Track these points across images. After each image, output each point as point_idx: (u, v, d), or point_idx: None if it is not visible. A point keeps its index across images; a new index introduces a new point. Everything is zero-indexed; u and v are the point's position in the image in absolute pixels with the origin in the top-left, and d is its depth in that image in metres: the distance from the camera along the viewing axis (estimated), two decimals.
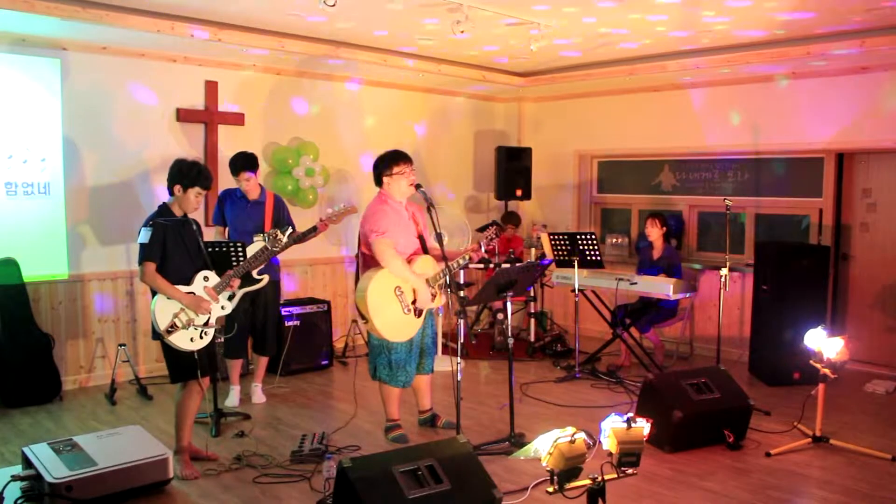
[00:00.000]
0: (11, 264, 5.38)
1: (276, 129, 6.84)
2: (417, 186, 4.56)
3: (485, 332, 8.03)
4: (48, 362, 5.49)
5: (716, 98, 7.14)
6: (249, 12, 5.24)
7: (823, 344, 4.42)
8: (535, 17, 5.25)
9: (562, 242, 6.42)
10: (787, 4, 4.80)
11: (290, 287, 6.96)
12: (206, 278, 4.09)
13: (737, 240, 7.11)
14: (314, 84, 7.09)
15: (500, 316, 7.22)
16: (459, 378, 4.27)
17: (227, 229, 5.51)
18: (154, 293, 3.98)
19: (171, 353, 4.04)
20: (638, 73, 6.80)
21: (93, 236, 5.90)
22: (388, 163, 4.62)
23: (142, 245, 3.94)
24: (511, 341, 4.64)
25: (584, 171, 8.32)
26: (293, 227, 5.22)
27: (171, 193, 4.07)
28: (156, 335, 3.99)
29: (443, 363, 5.88)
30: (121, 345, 5.81)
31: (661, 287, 6.03)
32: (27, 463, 3.79)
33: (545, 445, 2.80)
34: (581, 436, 2.82)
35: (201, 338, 4.04)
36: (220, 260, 4.44)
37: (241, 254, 4.68)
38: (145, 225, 3.97)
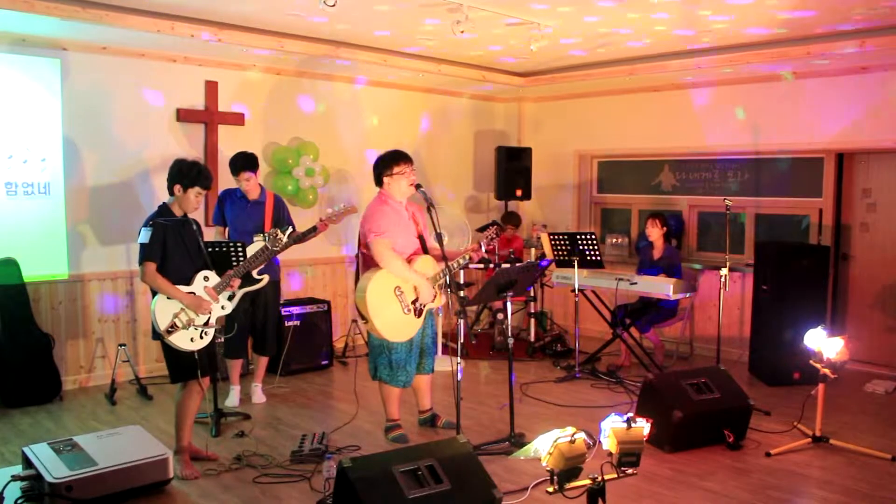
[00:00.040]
0: (11, 264, 5.38)
1: (276, 129, 6.84)
2: (417, 186, 4.57)
3: (485, 332, 8.03)
4: (48, 362, 5.49)
5: (716, 98, 7.14)
6: (250, 12, 5.24)
7: (823, 344, 4.42)
8: (534, 16, 5.25)
9: (562, 242, 6.42)
10: (788, 3, 4.80)
11: (295, 286, 6.98)
12: (206, 278, 4.09)
13: (737, 240, 7.11)
14: (314, 84, 7.09)
15: (500, 316, 7.22)
16: (459, 378, 4.27)
17: (227, 229, 5.50)
18: (154, 293, 3.98)
19: (171, 353, 4.04)
20: (638, 73, 6.81)
21: (93, 236, 5.90)
22: (388, 163, 4.62)
23: (142, 245, 3.94)
24: (511, 341, 4.64)
25: (584, 171, 8.32)
26: (293, 227, 5.22)
27: (171, 193, 4.07)
28: (156, 335, 3.99)
29: (443, 363, 5.88)
30: (121, 345, 5.81)
31: (661, 287, 6.03)
32: (27, 463, 3.79)
33: (545, 445, 2.80)
34: (581, 436, 2.82)
35: (201, 338, 4.04)
36: (220, 260, 4.44)
37: (241, 254, 4.68)
38: (145, 225, 3.97)
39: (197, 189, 4.06)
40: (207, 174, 4.11)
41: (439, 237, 4.44)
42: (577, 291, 6.28)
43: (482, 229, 4.96)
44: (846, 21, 5.16)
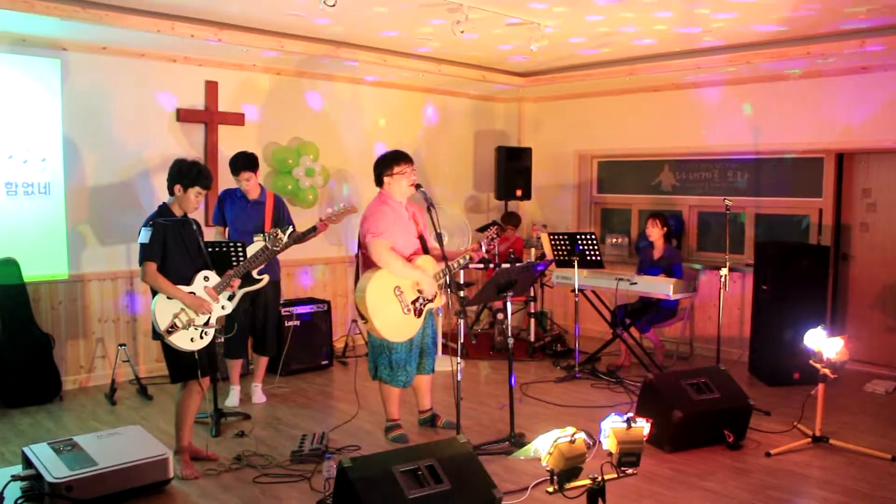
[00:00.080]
0: (11, 264, 5.38)
1: (276, 129, 6.84)
2: (417, 186, 4.57)
3: (485, 332, 8.03)
4: (48, 362, 5.49)
5: (716, 98, 7.14)
6: (250, 12, 5.24)
7: (823, 344, 4.42)
8: (534, 16, 5.25)
9: (562, 242, 6.42)
10: (789, 3, 4.80)
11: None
12: (206, 278, 4.09)
13: (737, 240, 7.11)
14: (314, 84, 7.09)
15: (500, 316, 7.22)
16: (459, 378, 4.27)
17: (227, 229, 5.51)
18: (154, 293, 3.98)
19: (171, 353, 4.04)
20: (638, 73, 6.81)
21: (93, 236, 5.90)
22: (388, 163, 4.62)
23: (142, 245, 3.94)
24: (511, 341, 4.64)
25: (584, 171, 8.32)
26: (293, 227, 5.22)
27: (171, 193, 4.07)
28: (156, 335, 3.99)
29: (443, 363, 5.88)
30: (121, 345, 5.81)
31: (661, 287, 6.03)
32: (27, 463, 3.79)
33: (545, 445, 2.80)
34: (581, 436, 2.82)
35: (201, 338, 4.04)
36: (220, 260, 4.44)
37: (241, 254, 4.68)
38: (145, 225, 3.97)
39: (197, 189, 4.06)
40: (207, 174, 4.11)
41: (439, 237, 4.44)
42: (577, 291, 6.28)
43: (482, 229, 4.96)
44: (847, 20, 5.15)
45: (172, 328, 3.94)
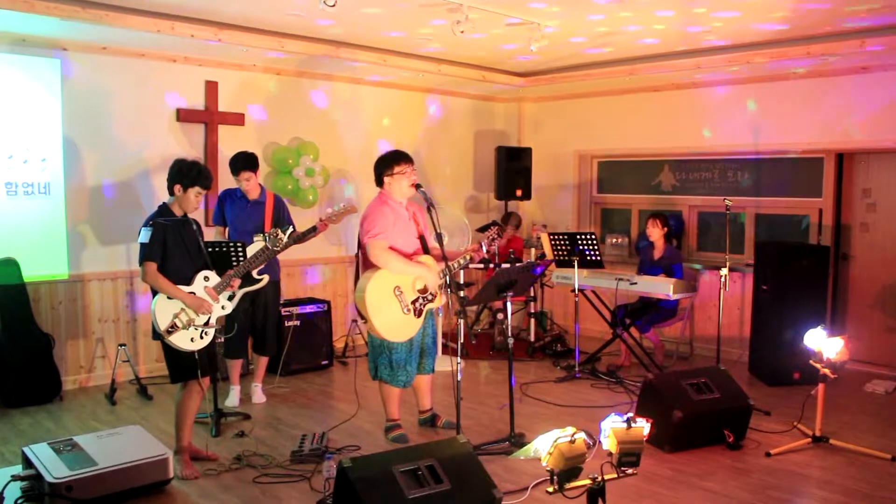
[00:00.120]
0: (11, 264, 5.38)
1: (276, 129, 6.84)
2: (417, 186, 4.57)
3: (485, 332, 8.03)
4: (48, 362, 5.49)
5: (716, 98, 7.14)
6: (250, 12, 5.24)
7: (823, 344, 4.42)
8: (534, 16, 5.25)
9: (562, 242, 6.42)
10: (789, 3, 4.80)
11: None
12: (206, 278, 4.09)
13: (737, 240, 7.11)
14: (314, 84, 7.09)
15: (500, 316, 7.22)
16: (459, 378, 4.27)
17: (227, 229, 5.50)
18: (154, 293, 3.98)
19: (171, 353, 4.04)
20: (638, 73, 6.81)
21: (93, 236, 5.90)
22: (388, 162, 4.62)
23: (142, 245, 3.94)
24: (511, 341, 4.64)
25: (584, 171, 8.32)
26: (293, 227, 5.22)
27: (171, 193, 4.07)
28: (156, 335, 3.99)
29: (443, 363, 5.88)
30: (121, 345, 5.80)
31: (661, 287, 6.03)
32: (27, 463, 3.79)
33: (545, 445, 2.80)
34: (581, 436, 2.82)
35: (201, 338, 4.04)
36: (220, 260, 4.44)
37: (241, 254, 4.68)
38: (145, 225, 3.97)
39: (197, 189, 4.06)
40: (207, 174, 4.11)
41: (439, 237, 4.44)
42: (577, 291, 6.28)
43: (483, 229, 4.96)
44: (848, 18, 5.14)
45: (172, 328, 3.94)
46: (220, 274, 4.16)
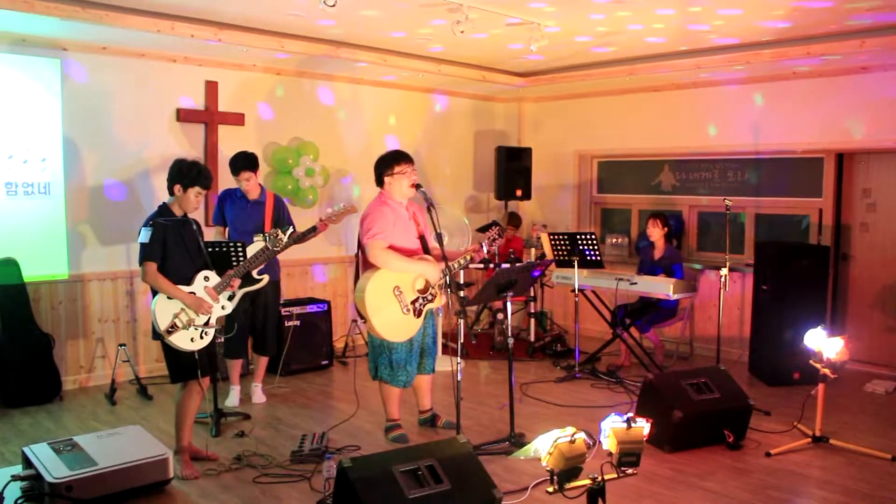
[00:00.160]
0: (11, 264, 5.38)
1: (276, 129, 6.84)
2: (417, 186, 4.56)
3: (485, 332, 8.03)
4: (48, 362, 5.49)
5: (716, 98, 7.14)
6: (250, 12, 5.24)
7: (823, 344, 4.42)
8: (533, 16, 5.25)
9: (562, 242, 6.42)
10: (790, 3, 4.80)
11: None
12: (206, 278, 4.09)
13: (737, 240, 7.11)
14: (314, 84, 7.09)
15: (500, 316, 7.22)
16: (459, 378, 4.27)
17: (227, 229, 5.51)
18: (154, 293, 3.98)
19: (171, 353, 4.04)
20: (638, 73, 6.81)
21: (93, 236, 5.90)
22: (389, 162, 4.62)
23: (142, 245, 3.94)
24: (511, 341, 4.64)
25: (584, 171, 8.32)
26: (293, 227, 5.21)
27: (171, 193, 4.07)
28: (156, 335, 3.99)
29: (443, 363, 5.87)
30: (121, 345, 5.80)
31: (661, 287, 6.03)
32: (27, 463, 3.79)
33: (545, 445, 2.80)
34: (581, 436, 2.82)
35: (201, 338, 4.04)
36: (220, 260, 4.44)
37: (241, 254, 4.68)
38: (145, 225, 3.97)
39: (197, 189, 4.06)
40: (207, 174, 4.11)
41: (439, 237, 4.44)
42: (577, 291, 6.27)
43: (483, 229, 4.96)
44: (849, 15, 5.12)
45: (172, 328, 3.94)
46: (220, 274, 4.16)
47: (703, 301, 7.10)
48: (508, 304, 4.66)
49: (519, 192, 8.00)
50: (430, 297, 4.59)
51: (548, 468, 2.81)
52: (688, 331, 7.18)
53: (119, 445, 3.94)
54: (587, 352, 6.74)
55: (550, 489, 2.83)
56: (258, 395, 5.54)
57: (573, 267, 6.27)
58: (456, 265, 4.60)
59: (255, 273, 4.72)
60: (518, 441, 4.50)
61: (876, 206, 6.48)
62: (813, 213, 6.71)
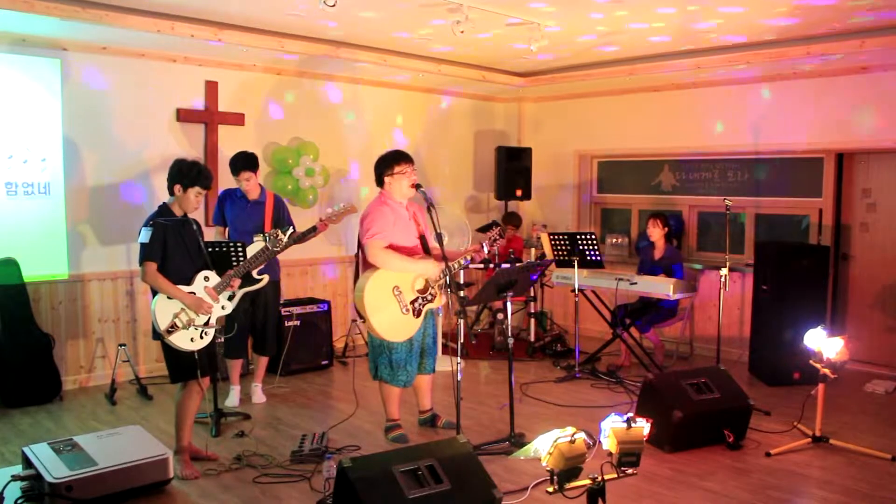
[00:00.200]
0: (11, 264, 5.38)
1: (276, 129, 6.84)
2: (417, 186, 4.56)
3: (485, 332, 8.03)
4: (48, 362, 5.49)
5: (715, 98, 7.14)
6: (250, 12, 5.24)
7: (823, 344, 4.42)
8: (533, 16, 5.25)
9: (562, 242, 6.42)
10: (789, 3, 4.79)
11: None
12: (206, 278, 4.09)
13: (737, 240, 7.11)
14: (314, 84, 7.09)
15: (500, 316, 7.22)
16: (459, 378, 4.27)
17: (227, 229, 5.51)
18: (154, 293, 3.98)
19: (171, 353, 4.04)
20: (638, 73, 6.81)
21: (93, 236, 5.90)
22: (389, 162, 4.62)
23: (142, 245, 3.94)
24: (511, 341, 4.64)
25: (584, 171, 8.32)
26: (293, 227, 5.22)
27: (171, 193, 4.07)
28: (156, 335, 3.99)
29: (443, 363, 5.87)
30: (121, 345, 5.80)
31: (661, 287, 6.03)
32: (27, 463, 3.79)
33: (545, 445, 2.80)
34: (581, 436, 2.82)
35: (201, 338, 4.04)
36: (220, 260, 4.44)
37: (241, 254, 4.68)
38: (145, 225, 3.98)
39: (197, 189, 4.06)
40: (207, 174, 4.11)
41: (439, 237, 4.44)
42: (577, 291, 6.27)
43: (484, 229, 4.96)
44: (851, 13, 5.11)
45: (172, 328, 3.94)
46: (220, 274, 4.16)
47: (703, 301, 7.10)
48: (508, 304, 4.66)
49: (519, 192, 8.00)
50: (429, 297, 4.59)
51: (548, 468, 2.81)
52: (688, 331, 7.18)
53: (119, 445, 3.94)
54: (587, 352, 6.74)
55: (550, 489, 2.83)
56: (258, 395, 5.54)
57: (573, 267, 6.27)
58: (456, 265, 4.60)
59: (255, 273, 4.72)
60: (518, 441, 4.50)
61: (876, 206, 6.48)
62: (813, 213, 6.71)
